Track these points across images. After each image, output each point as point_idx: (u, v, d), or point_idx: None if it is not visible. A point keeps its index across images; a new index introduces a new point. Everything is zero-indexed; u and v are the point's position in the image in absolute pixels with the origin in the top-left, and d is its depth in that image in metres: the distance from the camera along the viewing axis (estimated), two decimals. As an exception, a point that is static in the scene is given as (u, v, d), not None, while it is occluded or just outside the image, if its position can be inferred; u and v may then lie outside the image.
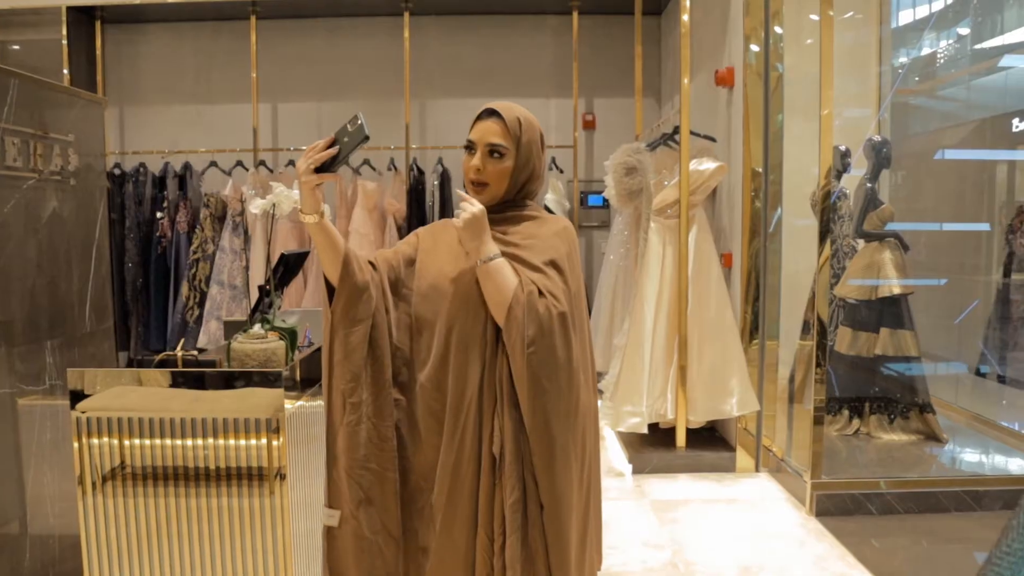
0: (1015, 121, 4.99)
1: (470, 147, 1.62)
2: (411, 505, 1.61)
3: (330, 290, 1.60)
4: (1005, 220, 5.06)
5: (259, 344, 1.95)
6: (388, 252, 1.69)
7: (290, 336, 2.03)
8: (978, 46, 5.29)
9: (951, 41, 5.40)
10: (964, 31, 5.35)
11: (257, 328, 2.00)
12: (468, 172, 1.62)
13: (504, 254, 1.57)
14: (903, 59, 5.60)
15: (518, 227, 1.64)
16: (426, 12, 5.99)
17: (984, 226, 5.22)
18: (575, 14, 5.95)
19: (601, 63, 6.14)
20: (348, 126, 1.51)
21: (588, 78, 6.09)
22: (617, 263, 5.05)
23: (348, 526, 1.59)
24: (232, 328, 2.52)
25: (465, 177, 1.64)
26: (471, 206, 1.54)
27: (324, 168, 1.51)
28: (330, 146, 1.50)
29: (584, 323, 1.64)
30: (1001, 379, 5.38)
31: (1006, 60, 5.46)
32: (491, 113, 1.61)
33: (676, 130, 4.29)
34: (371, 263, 1.63)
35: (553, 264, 1.58)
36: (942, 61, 5.52)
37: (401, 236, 5.89)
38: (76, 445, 1.98)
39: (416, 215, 5.90)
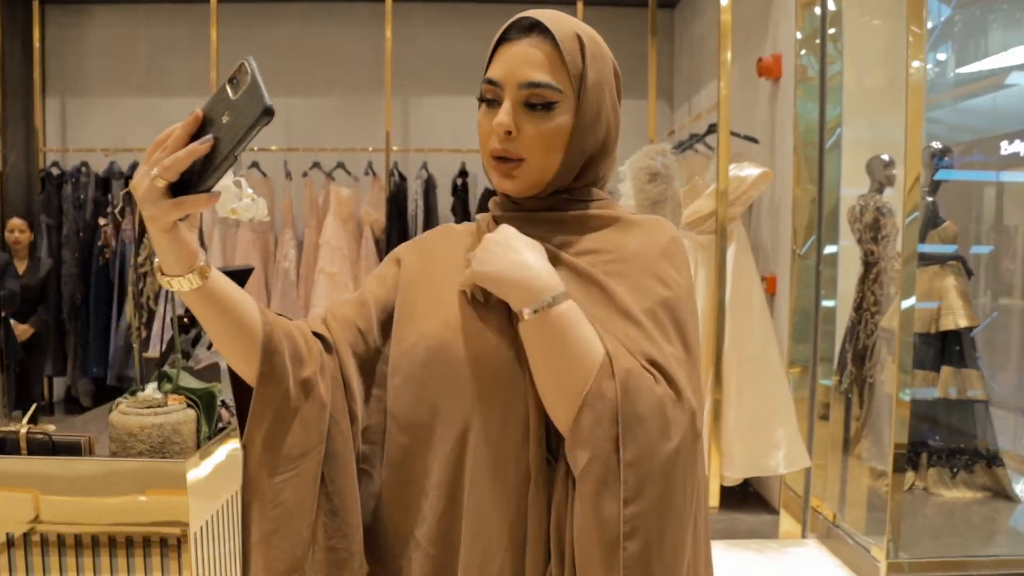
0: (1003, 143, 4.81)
1: (490, 96, 0.89)
2: None
3: (240, 401, 0.88)
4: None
5: (151, 417, 1.23)
6: (350, 302, 0.95)
7: (204, 403, 1.32)
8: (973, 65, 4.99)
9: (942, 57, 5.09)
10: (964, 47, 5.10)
11: (151, 390, 1.29)
12: (486, 139, 0.89)
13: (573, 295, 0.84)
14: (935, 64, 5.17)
15: (590, 238, 0.91)
16: (412, -2, 5.32)
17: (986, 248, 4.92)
18: (580, 4, 5.29)
19: (606, 61, 5.48)
20: (228, 89, 0.73)
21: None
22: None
23: None
24: (155, 366, 1.81)
25: (482, 150, 0.90)
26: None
27: (190, 183, 0.74)
28: (198, 134, 0.73)
29: (703, 414, 0.91)
30: None
31: (1012, 78, 5.15)
32: (530, 28, 0.88)
33: (710, 129, 3.64)
34: (317, 334, 0.89)
35: (667, 308, 0.85)
36: (954, 75, 5.19)
37: (379, 250, 5.19)
38: None
39: (397, 226, 5.20)
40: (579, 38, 0.89)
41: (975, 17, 5.00)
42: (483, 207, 5.25)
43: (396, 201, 5.24)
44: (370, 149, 5.23)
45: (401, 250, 1.00)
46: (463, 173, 5.33)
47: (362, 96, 5.40)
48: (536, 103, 0.87)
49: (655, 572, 0.75)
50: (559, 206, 0.92)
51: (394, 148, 5.26)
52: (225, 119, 0.72)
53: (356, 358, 0.91)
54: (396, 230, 5.18)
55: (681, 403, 0.79)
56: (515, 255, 0.84)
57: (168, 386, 1.31)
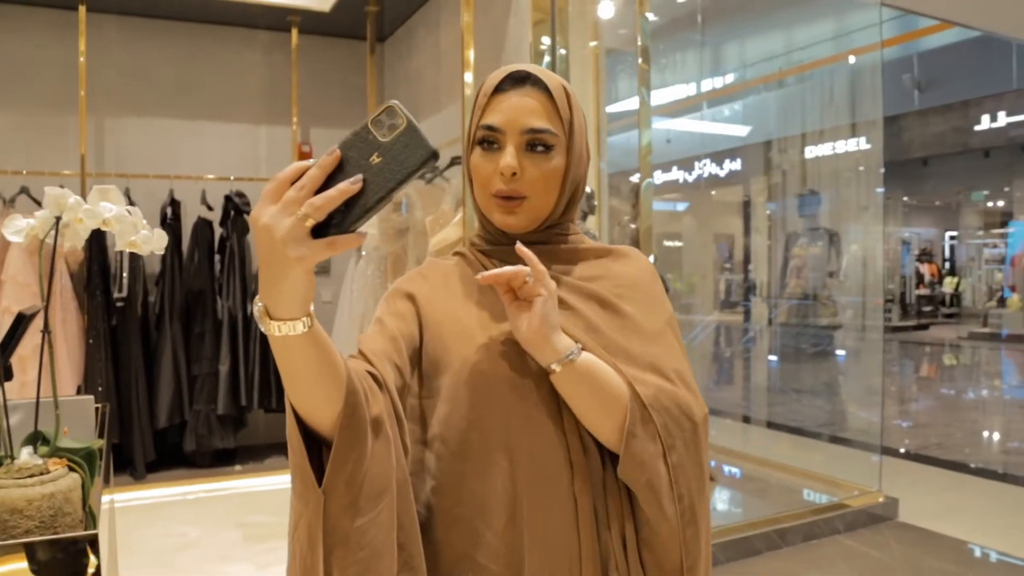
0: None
1: (489, 140, 0.96)
2: None
3: (307, 442, 0.81)
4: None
5: (37, 487, 1.06)
6: (381, 338, 0.94)
7: (88, 464, 1.15)
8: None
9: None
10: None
11: (26, 454, 1.10)
12: (489, 179, 0.96)
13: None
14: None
15: (588, 266, 1.03)
16: (106, 10, 4.82)
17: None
18: (295, 32, 5.22)
19: (318, 89, 5.46)
20: (373, 130, 0.71)
21: (304, 105, 5.37)
22: (363, 313, 4.42)
23: None
24: None
25: (482, 188, 0.98)
26: (540, 284, 0.90)
27: (334, 223, 0.70)
28: (336, 171, 0.71)
29: None
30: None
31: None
32: (523, 79, 0.96)
33: (453, 161, 3.84)
34: (371, 374, 0.87)
35: (671, 326, 1.02)
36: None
37: (76, 285, 4.59)
38: None
39: (97, 260, 4.65)
40: (564, 88, 0.99)
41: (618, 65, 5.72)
42: (197, 237, 4.89)
43: (96, 231, 4.68)
44: (64, 172, 4.62)
45: (406, 285, 1.03)
46: (173, 202, 4.93)
47: (49, 113, 4.76)
48: (537, 146, 0.96)
49: (700, 517, 0.93)
50: (551, 240, 1.02)
51: (90, 172, 4.71)
52: (375, 160, 0.71)
53: (398, 391, 0.91)
54: (97, 263, 4.64)
55: (697, 400, 0.96)
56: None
57: (46, 448, 1.12)
